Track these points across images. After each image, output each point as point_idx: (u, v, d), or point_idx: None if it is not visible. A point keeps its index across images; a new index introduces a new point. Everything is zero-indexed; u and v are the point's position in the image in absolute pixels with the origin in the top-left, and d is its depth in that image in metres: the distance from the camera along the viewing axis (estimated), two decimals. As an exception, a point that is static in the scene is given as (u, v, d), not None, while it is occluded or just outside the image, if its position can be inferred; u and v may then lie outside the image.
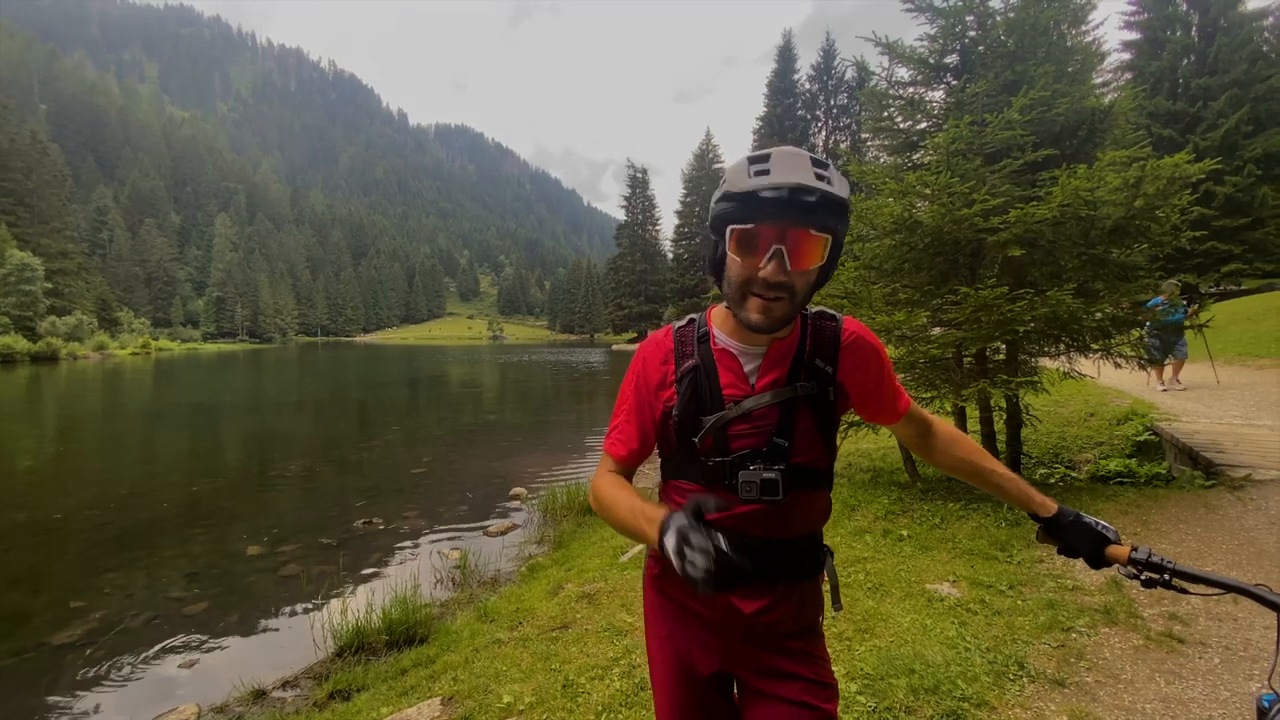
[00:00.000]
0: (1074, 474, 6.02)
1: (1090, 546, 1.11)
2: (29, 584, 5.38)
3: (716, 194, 1.05)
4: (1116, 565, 1.09)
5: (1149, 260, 5.25)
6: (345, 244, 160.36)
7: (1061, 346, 5.39)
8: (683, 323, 1.22)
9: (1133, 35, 25.76)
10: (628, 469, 1.21)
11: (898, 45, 5.58)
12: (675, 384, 1.14)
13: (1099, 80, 6.59)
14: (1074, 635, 2.86)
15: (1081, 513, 1.14)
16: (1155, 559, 1.03)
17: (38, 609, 4.88)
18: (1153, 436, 6.33)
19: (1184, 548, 3.72)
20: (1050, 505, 1.16)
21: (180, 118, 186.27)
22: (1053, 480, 5.65)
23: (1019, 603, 3.21)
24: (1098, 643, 2.79)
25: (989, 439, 5.75)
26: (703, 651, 1.18)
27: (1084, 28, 5.92)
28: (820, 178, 0.97)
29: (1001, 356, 5.74)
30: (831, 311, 1.19)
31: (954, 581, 3.53)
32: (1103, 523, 1.12)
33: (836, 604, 1.27)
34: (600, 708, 2.62)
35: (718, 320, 1.18)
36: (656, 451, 1.24)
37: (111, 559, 5.96)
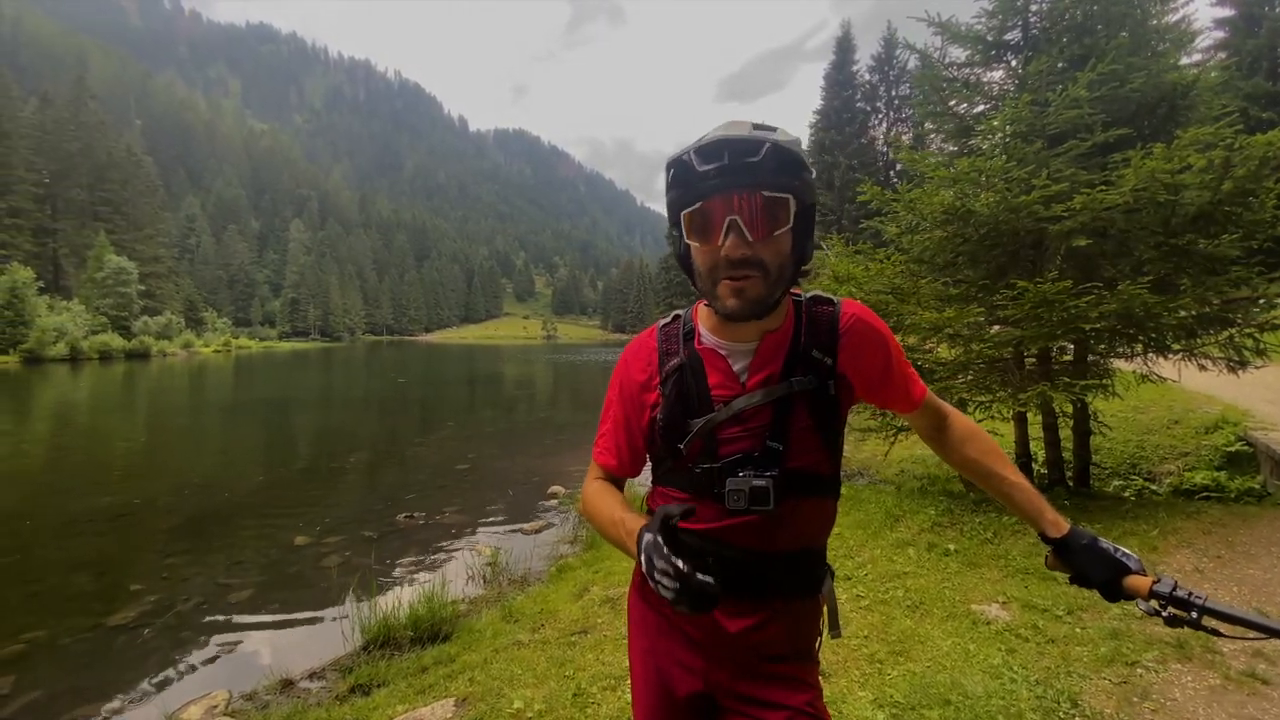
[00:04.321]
0: (1153, 486, 5.51)
1: (1106, 575, 0.96)
2: (97, 566, 5.71)
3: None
4: (1136, 600, 0.93)
5: (1245, 252, 4.71)
6: (409, 247, 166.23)
7: (1138, 347, 4.92)
8: (668, 320, 1.12)
9: (1226, 12, 23.67)
10: (618, 479, 1.17)
11: (951, 24, 5.22)
12: (660, 385, 1.05)
13: (1189, 60, 5.99)
14: (1139, 671, 2.54)
15: (1099, 536, 0.99)
16: (1181, 593, 0.87)
17: (100, 590, 5.18)
18: (1246, 447, 5.70)
19: (1275, 574, 3.29)
20: (1062, 524, 1.01)
21: (260, 130, 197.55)
22: (1127, 494, 5.18)
23: (1077, 630, 2.90)
24: (1167, 680, 2.47)
25: (1053, 447, 5.31)
26: (683, 670, 1.08)
27: (1172, 4, 5.40)
28: (759, 128, 0.87)
29: (1069, 357, 5.30)
30: (828, 295, 1.06)
31: (1003, 603, 3.24)
32: (1124, 550, 0.97)
33: (834, 630, 1.14)
34: (608, 721, 2.51)
35: (703, 316, 1.07)
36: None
37: (175, 544, 6.28)
